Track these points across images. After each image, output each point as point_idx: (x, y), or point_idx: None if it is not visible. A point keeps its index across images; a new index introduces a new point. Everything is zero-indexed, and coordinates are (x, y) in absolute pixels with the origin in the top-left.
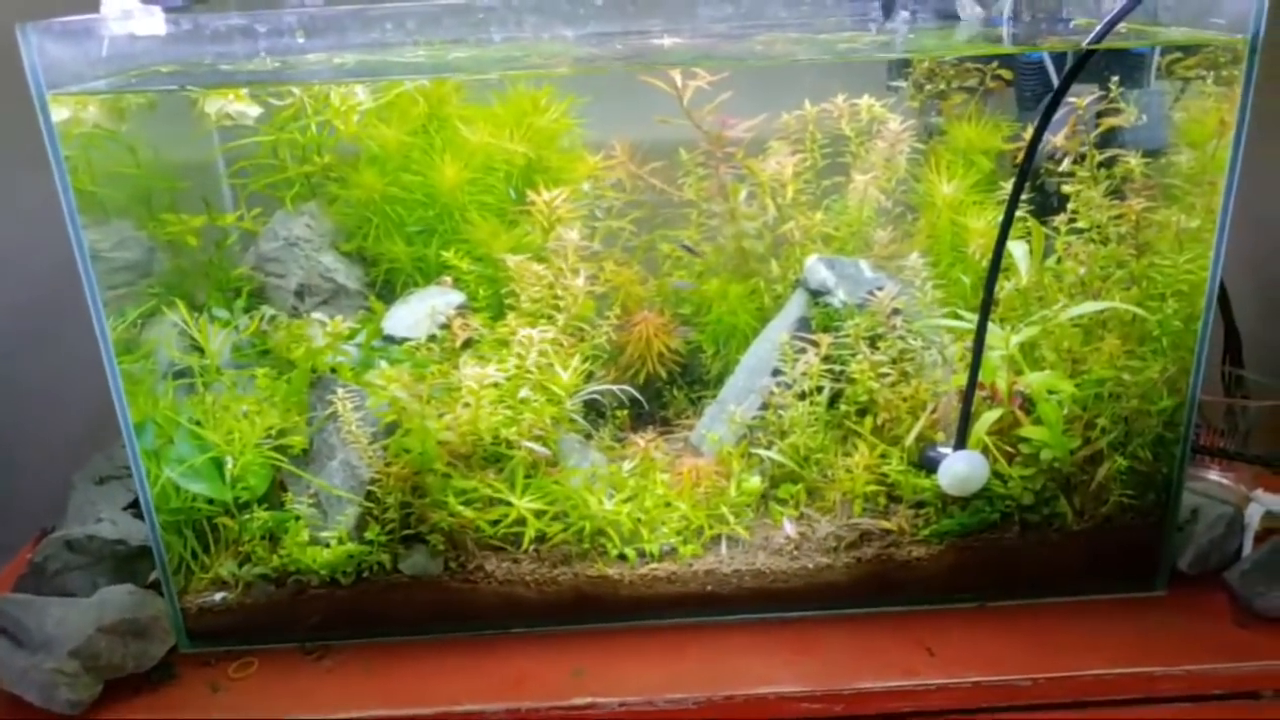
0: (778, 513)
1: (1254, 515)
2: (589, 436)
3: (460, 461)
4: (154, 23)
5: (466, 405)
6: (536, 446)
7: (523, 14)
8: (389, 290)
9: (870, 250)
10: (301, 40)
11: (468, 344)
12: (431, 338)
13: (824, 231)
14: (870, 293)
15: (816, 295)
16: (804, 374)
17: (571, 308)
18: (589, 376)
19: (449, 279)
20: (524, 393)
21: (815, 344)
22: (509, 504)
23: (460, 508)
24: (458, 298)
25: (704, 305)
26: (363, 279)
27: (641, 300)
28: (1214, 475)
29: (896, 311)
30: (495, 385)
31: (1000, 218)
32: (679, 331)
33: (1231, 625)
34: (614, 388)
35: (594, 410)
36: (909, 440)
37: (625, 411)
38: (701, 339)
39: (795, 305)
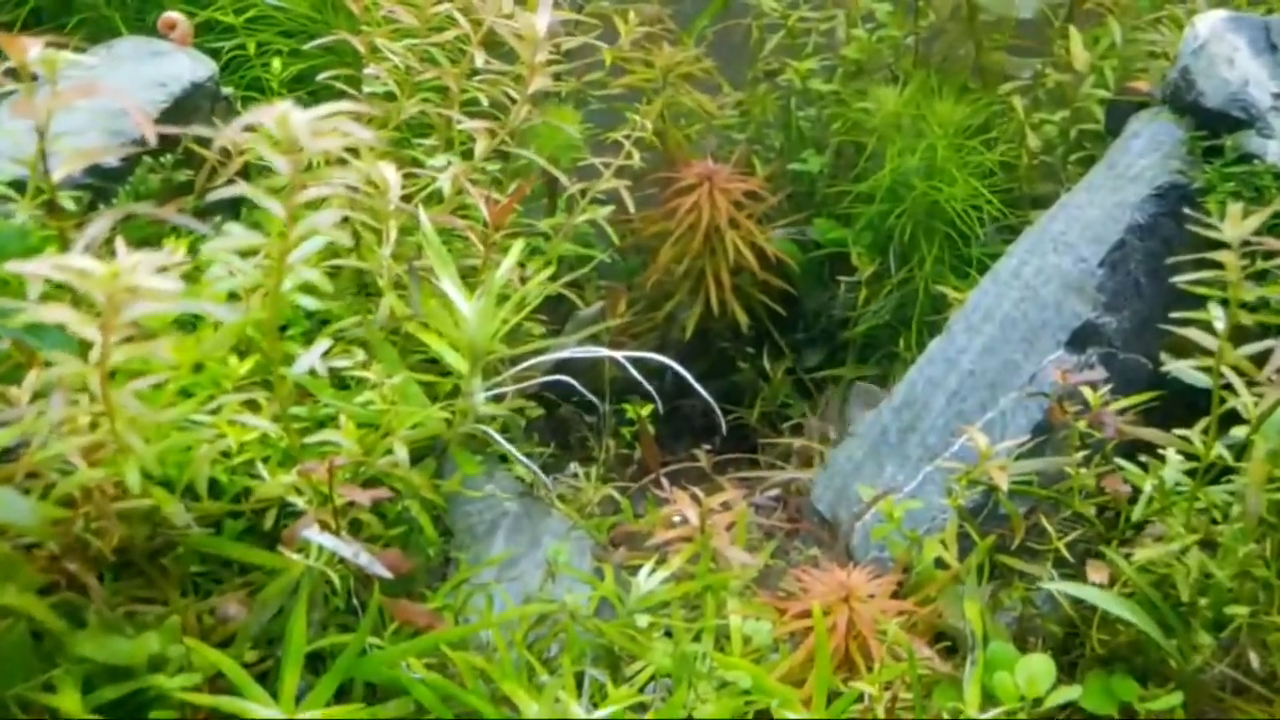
0: None
1: None
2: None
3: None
4: None
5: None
6: (361, 553)
7: None
8: None
9: None
10: None
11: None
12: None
13: None
14: None
15: (1207, 129)
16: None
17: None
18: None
19: (178, 15)
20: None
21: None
22: None
23: None
24: (200, 67)
25: (851, 139)
26: None
27: (687, 139)
28: None
29: None
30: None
31: None
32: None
33: None
34: (615, 354)
35: (547, 404)
36: None
37: (647, 408)
38: (837, 234)
39: (1141, 152)
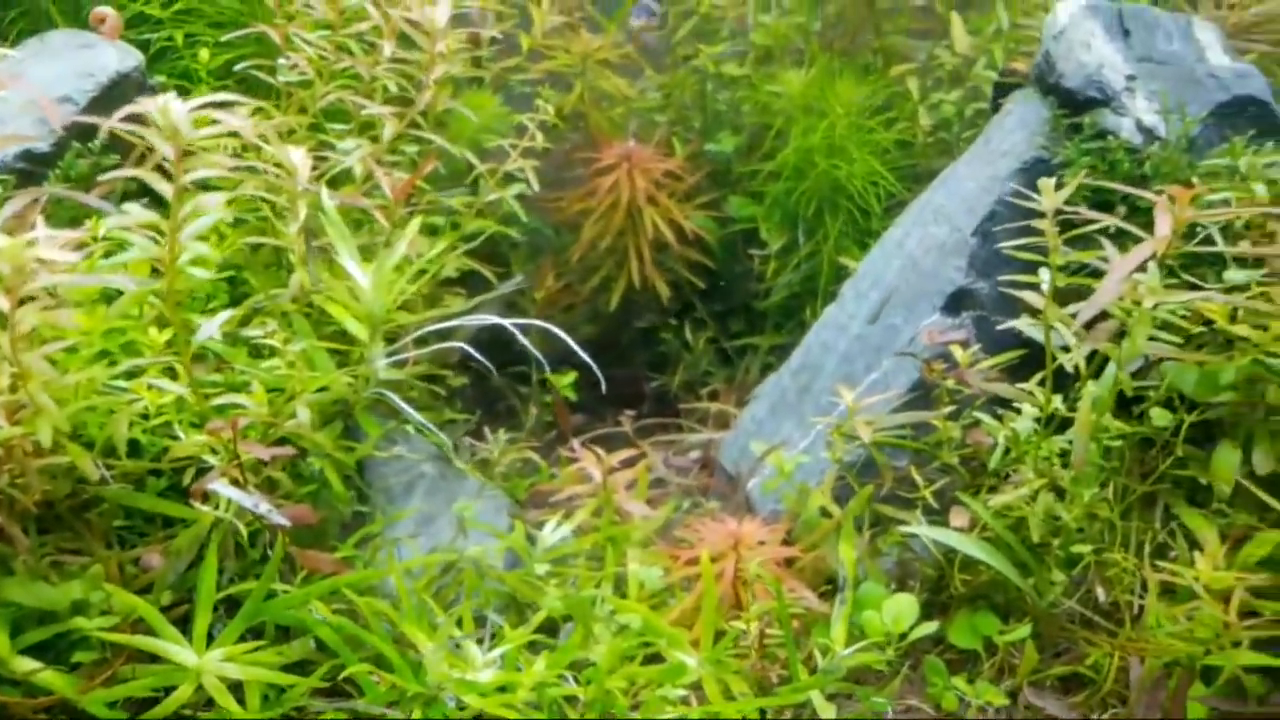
0: (946, 695)
1: None
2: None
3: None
4: None
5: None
6: (261, 503)
7: None
8: None
9: None
10: None
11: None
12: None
13: None
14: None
15: (1069, 108)
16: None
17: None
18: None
19: (108, 9)
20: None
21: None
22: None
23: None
24: (127, 58)
25: (761, 121)
26: None
27: (616, 120)
28: None
29: None
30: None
31: None
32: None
33: None
34: (502, 321)
35: (478, 375)
36: None
37: (567, 377)
38: (750, 210)
39: (1012, 129)
